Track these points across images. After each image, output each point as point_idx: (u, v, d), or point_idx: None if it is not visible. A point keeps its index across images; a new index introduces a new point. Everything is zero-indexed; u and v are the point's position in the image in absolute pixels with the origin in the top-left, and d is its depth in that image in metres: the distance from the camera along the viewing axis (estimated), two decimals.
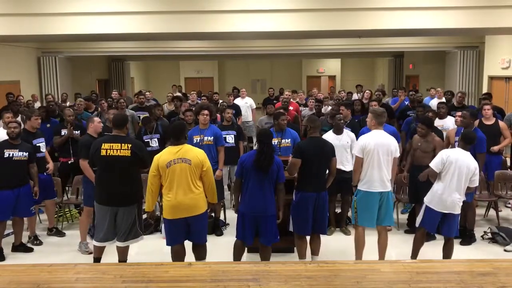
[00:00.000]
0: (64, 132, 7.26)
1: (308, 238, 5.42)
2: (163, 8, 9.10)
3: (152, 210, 5.06)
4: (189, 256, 5.04)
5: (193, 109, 7.72)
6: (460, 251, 5.91)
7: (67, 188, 7.79)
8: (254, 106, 11.55)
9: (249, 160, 4.99)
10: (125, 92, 16.81)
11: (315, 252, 5.45)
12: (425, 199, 5.35)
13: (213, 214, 6.64)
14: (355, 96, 12.68)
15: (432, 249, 5.64)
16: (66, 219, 7.29)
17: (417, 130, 6.38)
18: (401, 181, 6.91)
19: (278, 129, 6.78)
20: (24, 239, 6.36)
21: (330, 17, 9.13)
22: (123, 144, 4.92)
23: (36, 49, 15.64)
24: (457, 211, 5.20)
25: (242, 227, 5.09)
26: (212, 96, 12.27)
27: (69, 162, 7.19)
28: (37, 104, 12.12)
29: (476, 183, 5.26)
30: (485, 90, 13.30)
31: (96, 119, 6.17)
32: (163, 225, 6.50)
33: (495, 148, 7.02)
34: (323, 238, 5.64)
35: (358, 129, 7.10)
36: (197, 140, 6.53)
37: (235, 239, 5.22)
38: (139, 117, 9.36)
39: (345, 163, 6.46)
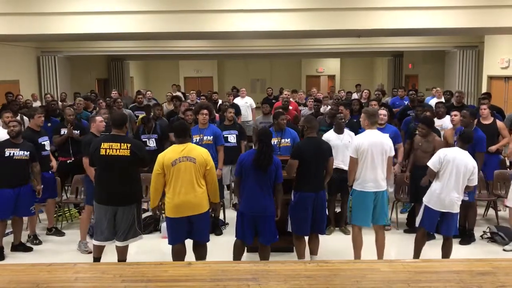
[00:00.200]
0: (63, 131, 7.26)
1: (306, 238, 5.42)
2: (162, 8, 9.10)
3: (156, 205, 5.07)
4: (189, 256, 5.04)
5: (193, 108, 7.72)
6: (459, 251, 5.92)
7: (66, 187, 7.80)
8: (254, 106, 11.54)
9: (248, 159, 5.00)
10: (126, 92, 16.81)
11: (314, 251, 5.45)
12: (424, 198, 5.36)
13: (213, 214, 6.64)
14: (355, 96, 12.68)
15: (432, 249, 5.64)
16: (65, 218, 7.28)
17: (418, 130, 6.39)
18: (401, 180, 6.91)
19: (277, 129, 6.78)
20: (24, 238, 6.36)
21: (329, 16, 9.13)
22: (122, 144, 4.92)
23: (36, 48, 15.64)
24: (456, 210, 5.21)
25: (241, 227, 5.10)
26: (211, 96, 12.27)
27: (68, 161, 7.19)
28: (37, 104, 12.10)
29: (475, 182, 5.26)
30: (484, 89, 13.31)
31: (98, 118, 6.18)
32: (162, 225, 6.54)
33: (493, 148, 7.01)
34: (323, 237, 5.65)
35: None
36: (196, 139, 6.53)
37: (235, 239, 5.22)
38: (137, 116, 9.37)
39: (346, 163, 6.45)
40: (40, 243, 6.43)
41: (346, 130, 6.69)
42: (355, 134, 6.63)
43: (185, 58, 22.63)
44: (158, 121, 7.96)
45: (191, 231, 4.93)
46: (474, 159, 6.05)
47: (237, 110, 10.28)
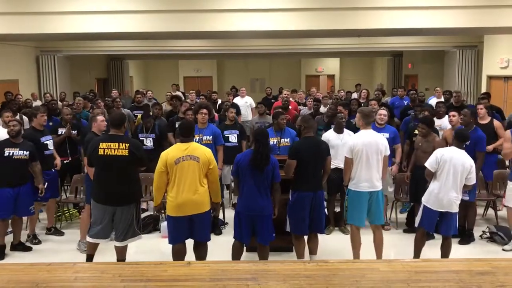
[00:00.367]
0: (61, 131, 7.26)
1: (306, 237, 5.42)
2: (162, 7, 9.10)
3: (159, 203, 5.07)
4: (189, 256, 5.04)
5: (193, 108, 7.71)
6: (458, 251, 5.93)
7: (65, 187, 7.79)
8: (254, 105, 11.51)
9: (245, 160, 5.00)
10: (127, 91, 16.81)
11: (313, 251, 5.46)
12: (422, 198, 5.37)
13: (213, 214, 6.64)
14: (355, 96, 12.67)
15: (431, 249, 5.65)
16: (65, 218, 7.28)
17: (418, 130, 6.39)
18: (401, 180, 6.91)
19: (277, 129, 6.78)
20: (23, 238, 6.36)
21: (329, 16, 9.13)
22: (120, 144, 4.91)
23: (35, 48, 15.62)
24: (455, 209, 5.21)
25: (239, 227, 5.10)
26: (210, 95, 12.26)
27: (65, 161, 7.18)
28: (37, 103, 12.09)
29: (473, 181, 5.26)
30: (483, 89, 13.31)
31: (99, 117, 6.18)
32: (162, 224, 6.53)
33: (489, 147, 6.98)
34: (322, 237, 5.65)
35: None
36: (196, 139, 6.51)
37: (231, 241, 5.22)
38: (135, 116, 9.36)
39: None
40: (39, 242, 6.42)
41: (346, 130, 6.69)
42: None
43: (184, 58, 22.61)
44: (157, 121, 7.95)
45: (192, 230, 4.93)
46: (475, 158, 6.08)
47: (237, 109, 10.28)
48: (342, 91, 13.76)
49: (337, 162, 6.21)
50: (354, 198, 5.35)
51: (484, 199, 7.18)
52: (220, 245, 5.85)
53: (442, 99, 9.80)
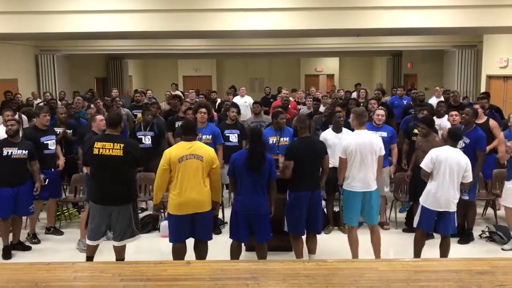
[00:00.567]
0: (58, 130, 7.23)
1: (304, 237, 5.42)
2: (161, 7, 9.09)
3: (159, 203, 5.06)
4: (189, 255, 5.04)
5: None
6: (458, 250, 5.93)
7: (64, 186, 7.78)
8: None
9: (241, 159, 4.99)
10: (127, 91, 16.80)
11: (312, 251, 5.46)
12: (420, 199, 5.36)
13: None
14: (354, 95, 12.67)
15: (430, 249, 5.64)
16: (64, 217, 7.27)
17: (418, 130, 6.38)
18: (400, 180, 6.91)
19: (276, 128, 6.78)
20: (22, 237, 6.35)
21: (328, 15, 9.13)
22: (115, 144, 4.88)
23: (34, 47, 15.60)
24: (452, 208, 5.21)
25: (235, 227, 5.10)
26: (209, 95, 12.26)
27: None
28: (36, 102, 12.07)
29: (470, 179, 5.25)
30: (483, 89, 13.31)
31: (98, 117, 6.18)
32: (161, 224, 6.53)
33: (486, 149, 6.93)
34: (322, 236, 5.65)
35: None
36: None
37: (231, 240, 5.22)
38: (135, 115, 9.36)
39: None
40: (38, 242, 6.42)
41: (344, 129, 6.69)
42: None
43: (184, 57, 22.61)
44: (155, 120, 7.95)
45: (194, 229, 4.93)
46: (475, 158, 6.08)
47: (238, 109, 10.28)
48: (341, 90, 13.77)
49: (334, 161, 6.21)
50: (348, 198, 5.37)
51: (484, 199, 7.18)
52: (220, 245, 5.84)
53: (442, 99, 9.80)
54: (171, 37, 13.92)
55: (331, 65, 25.63)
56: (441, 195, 5.14)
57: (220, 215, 6.99)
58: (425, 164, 5.26)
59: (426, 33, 12.08)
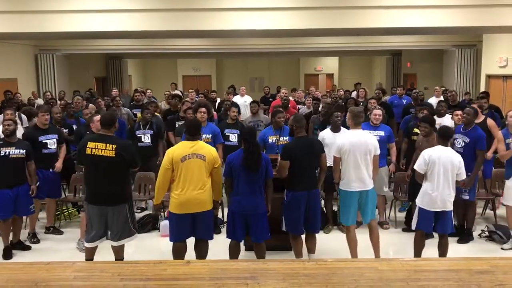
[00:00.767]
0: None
1: (303, 237, 5.42)
2: (161, 6, 9.10)
3: (160, 203, 5.06)
4: (189, 255, 5.04)
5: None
6: (457, 249, 5.94)
7: (63, 186, 7.78)
8: None
9: (238, 159, 4.98)
10: (127, 90, 16.79)
11: (311, 250, 5.46)
12: (416, 200, 5.35)
13: None
14: (354, 95, 12.67)
15: (429, 248, 5.64)
16: (64, 217, 7.27)
17: (420, 130, 6.36)
18: (400, 179, 6.90)
19: (276, 127, 6.78)
20: (22, 237, 6.35)
21: (328, 15, 9.13)
22: (108, 145, 4.85)
23: (34, 46, 15.60)
24: (449, 207, 5.21)
25: (232, 226, 5.09)
26: (208, 94, 12.25)
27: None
28: (37, 102, 12.07)
29: (463, 176, 5.23)
30: (482, 88, 13.32)
31: (96, 118, 6.17)
32: (161, 223, 6.53)
33: (489, 154, 6.89)
34: (321, 236, 5.65)
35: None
36: None
37: (229, 240, 5.21)
38: (135, 115, 9.35)
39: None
40: (38, 241, 6.42)
41: (343, 129, 6.69)
42: None
43: (183, 57, 22.60)
44: (154, 118, 7.95)
45: (195, 228, 4.93)
46: (475, 157, 6.08)
47: (238, 109, 10.28)
48: (341, 90, 13.76)
49: (331, 160, 6.21)
50: (344, 198, 5.37)
51: (483, 198, 7.18)
52: (220, 244, 5.83)
53: (442, 98, 9.80)
54: (170, 37, 13.92)
55: (330, 64, 25.63)
56: (437, 195, 5.13)
57: (220, 215, 6.99)
58: (418, 166, 5.25)
59: (426, 32, 12.08)
